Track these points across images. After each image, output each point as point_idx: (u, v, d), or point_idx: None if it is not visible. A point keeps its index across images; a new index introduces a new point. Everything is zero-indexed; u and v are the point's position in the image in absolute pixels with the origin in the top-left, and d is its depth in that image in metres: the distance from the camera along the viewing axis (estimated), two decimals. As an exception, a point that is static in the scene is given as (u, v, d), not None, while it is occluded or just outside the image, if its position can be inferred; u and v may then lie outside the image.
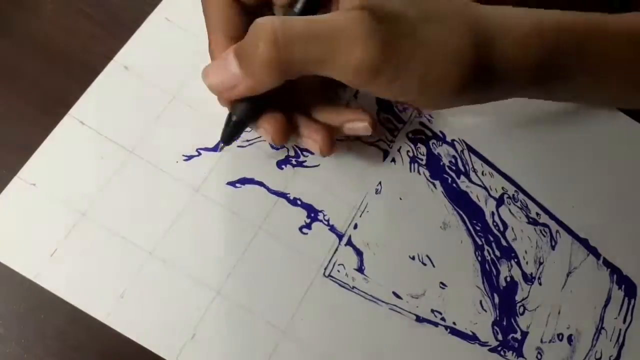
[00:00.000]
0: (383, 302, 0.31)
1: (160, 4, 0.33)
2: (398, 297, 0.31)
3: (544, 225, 0.34)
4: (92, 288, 0.28)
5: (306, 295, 0.30)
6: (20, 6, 0.32)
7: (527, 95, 0.30)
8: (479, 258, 0.33)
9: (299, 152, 0.32)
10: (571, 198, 0.35)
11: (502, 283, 0.33)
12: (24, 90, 0.31)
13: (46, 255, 0.28)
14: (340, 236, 0.32)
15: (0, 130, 0.30)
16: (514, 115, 0.36)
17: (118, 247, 0.29)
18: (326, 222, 0.32)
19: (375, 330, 0.30)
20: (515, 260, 0.33)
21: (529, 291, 0.33)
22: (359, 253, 0.31)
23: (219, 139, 0.29)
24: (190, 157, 0.31)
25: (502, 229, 0.34)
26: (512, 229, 0.34)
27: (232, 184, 0.31)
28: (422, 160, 0.34)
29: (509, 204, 0.34)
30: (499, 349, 0.32)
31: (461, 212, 0.33)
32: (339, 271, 0.31)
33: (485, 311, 0.32)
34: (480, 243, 0.33)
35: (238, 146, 0.32)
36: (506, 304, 0.32)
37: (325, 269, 0.31)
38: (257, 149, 0.32)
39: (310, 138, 0.29)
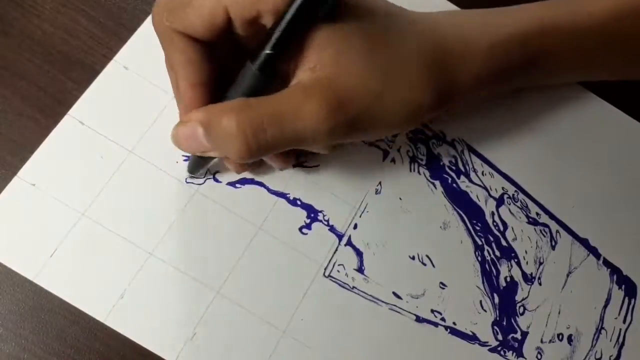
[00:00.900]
0: (383, 302, 0.31)
1: (160, 4, 0.33)
2: (398, 297, 0.31)
3: (544, 225, 0.34)
4: (91, 288, 0.28)
5: (306, 295, 0.30)
6: (20, 6, 0.32)
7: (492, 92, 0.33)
8: (479, 258, 0.33)
9: (299, 152, 0.32)
10: (571, 198, 0.35)
11: (502, 283, 0.33)
12: (24, 90, 0.31)
13: (46, 255, 0.28)
14: (340, 236, 0.32)
15: (0, 131, 0.30)
16: (514, 115, 0.36)
17: (118, 247, 0.29)
18: (326, 222, 0.32)
19: (375, 330, 0.30)
20: (515, 260, 0.33)
21: (529, 291, 0.33)
22: (359, 253, 0.31)
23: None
24: (190, 157, 0.31)
25: (502, 229, 0.34)
26: (512, 229, 0.34)
27: (232, 184, 0.31)
28: (422, 160, 0.34)
29: (509, 204, 0.34)
30: (499, 349, 0.32)
31: (461, 212, 0.33)
32: (339, 271, 0.31)
33: (485, 311, 0.32)
34: (480, 243, 0.33)
35: None
36: (506, 304, 0.32)
37: (325, 269, 0.31)
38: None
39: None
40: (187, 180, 0.31)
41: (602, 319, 0.33)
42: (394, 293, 0.31)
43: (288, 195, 0.32)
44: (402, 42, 0.26)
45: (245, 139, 0.24)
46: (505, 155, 0.35)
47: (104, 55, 0.32)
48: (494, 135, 0.35)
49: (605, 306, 0.34)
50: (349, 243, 0.31)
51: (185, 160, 0.31)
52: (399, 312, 0.31)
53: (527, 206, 0.34)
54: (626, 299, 0.34)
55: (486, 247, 0.33)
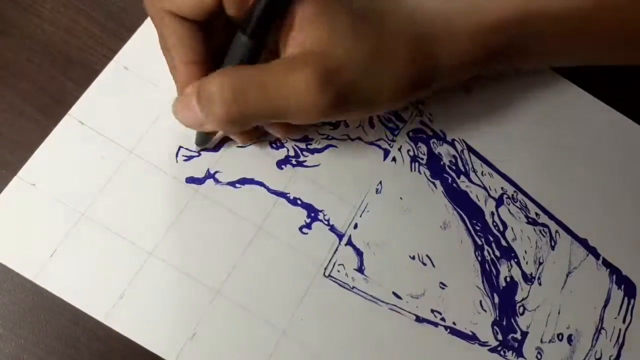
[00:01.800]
0: (383, 302, 0.31)
1: (160, 4, 0.33)
2: (398, 297, 0.31)
3: (544, 225, 0.34)
4: (91, 288, 0.28)
5: (306, 295, 0.30)
6: (20, 6, 0.32)
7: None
8: (479, 258, 0.33)
9: (299, 152, 0.32)
10: (571, 198, 0.35)
11: (502, 283, 0.33)
12: (24, 90, 0.31)
13: (46, 255, 0.28)
14: (340, 236, 0.32)
15: (0, 130, 0.30)
16: (514, 115, 0.36)
17: (118, 247, 0.29)
18: (326, 222, 0.32)
19: (375, 330, 0.30)
20: (515, 260, 0.33)
21: (528, 291, 0.33)
22: (359, 253, 0.31)
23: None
24: (190, 158, 0.31)
25: (501, 229, 0.34)
26: (512, 229, 0.34)
27: (232, 184, 0.31)
28: (422, 159, 0.34)
29: (508, 204, 0.34)
30: (499, 349, 0.32)
31: (461, 212, 0.33)
32: (339, 271, 0.31)
33: (485, 311, 0.32)
34: (480, 243, 0.33)
35: (238, 146, 0.32)
36: (506, 304, 0.32)
37: (325, 269, 0.31)
38: (257, 149, 0.32)
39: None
40: (199, 151, 0.31)
41: (601, 319, 0.33)
42: (394, 293, 0.31)
43: (288, 195, 0.32)
44: (388, 21, 0.27)
45: (224, 101, 0.25)
46: (504, 155, 0.35)
47: (104, 55, 0.32)
48: (493, 135, 0.35)
49: (604, 306, 0.34)
50: (349, 243, 0.31)
51: (185, 160, 0.31)
52: (399, 312, 0.31)
53: (526, 206, 0.34)
54: (625, 299, 0.34)
55: (486, 247, 0.33)
